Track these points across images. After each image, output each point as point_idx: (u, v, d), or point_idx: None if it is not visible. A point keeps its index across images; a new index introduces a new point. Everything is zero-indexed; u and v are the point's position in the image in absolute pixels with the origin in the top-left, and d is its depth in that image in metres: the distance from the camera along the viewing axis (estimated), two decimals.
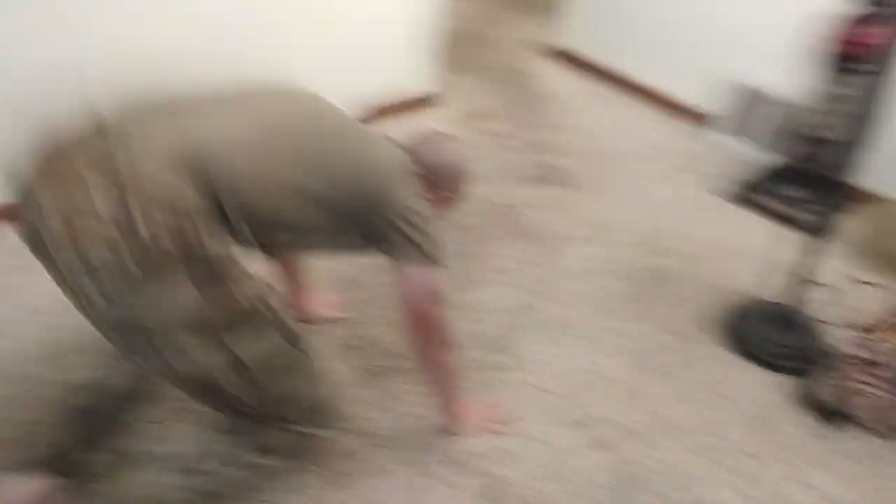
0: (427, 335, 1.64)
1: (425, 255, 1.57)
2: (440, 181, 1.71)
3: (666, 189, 3.06)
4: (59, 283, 1.31)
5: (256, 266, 1.45)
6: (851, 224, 2.66)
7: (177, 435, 1.78)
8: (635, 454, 1.86)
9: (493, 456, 1.83)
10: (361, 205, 1.52)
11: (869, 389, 1.96)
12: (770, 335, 2.18)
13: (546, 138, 3.38)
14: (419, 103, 3.50)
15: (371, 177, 1.54)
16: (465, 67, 3.95)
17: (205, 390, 1.42)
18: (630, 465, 1.83)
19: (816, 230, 2.07)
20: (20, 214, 1.31)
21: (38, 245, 1.28)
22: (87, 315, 1.32)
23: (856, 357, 2.01)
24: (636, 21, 3.79)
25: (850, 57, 1.87)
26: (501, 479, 1.77)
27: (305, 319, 2.12)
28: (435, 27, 3.37)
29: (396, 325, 1.69)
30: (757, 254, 2.55)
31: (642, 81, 3.84)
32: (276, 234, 1.50)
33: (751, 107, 3.21)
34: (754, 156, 3.19)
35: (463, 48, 4.16)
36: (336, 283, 2.33)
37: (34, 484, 1.53)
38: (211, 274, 1.31)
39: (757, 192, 2.96)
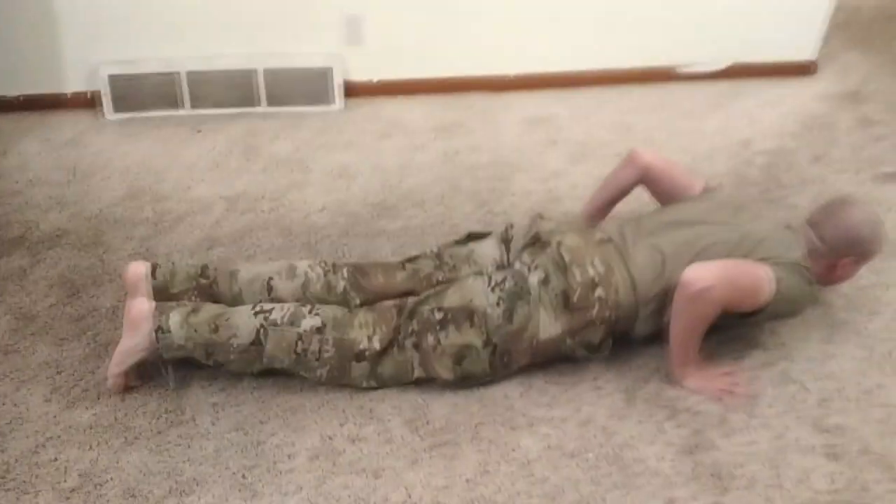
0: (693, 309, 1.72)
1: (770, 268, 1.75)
2: (847, 251, 1.87)
3: None
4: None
5: None
6: None
7: None
8: (869, 474, 1.66)
9: (713, 419, 1.79)
10: None
11: None
12: None
13: None
14: (795, 69, 3.26)
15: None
16: (867, 47, 3.54)
17: None
18: (854, 485, 1.65)
19: None
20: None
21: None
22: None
23: None
24: None
25: None
26: (710, 443, 1.73)
27: None
28: None
29: None
30: None
31: None
32: None
33: None
34: None
35: (874, 26, 3.72)
36: None
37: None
38: None
39: None
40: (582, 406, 1.82)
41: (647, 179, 2.10)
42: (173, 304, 1.78)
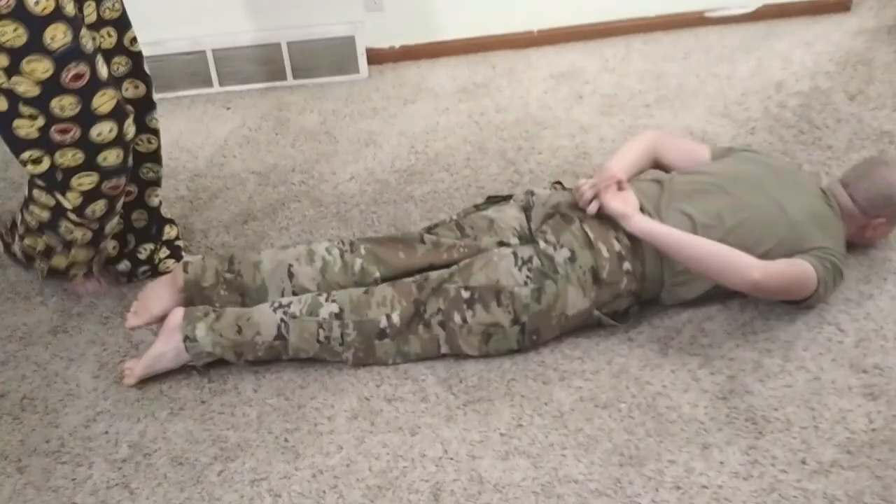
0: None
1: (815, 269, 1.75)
2: (879, 211, 1.87)
3: None
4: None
5: None
6: None
7: None
8: None
9: (747, 364, 1.78)
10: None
11: None
12: None
13: None
14: (829, 6, 3.14)
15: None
16: None
17: None
18: (894, 423, 1.62)
19: None
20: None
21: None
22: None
23: None
24: None
25: None
26: (744, 388, 1.73)
27: None
28: None
29: None
30: None
31: None
32: None
33: None
34: None
35: None
36: None
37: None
38: None
39: None
40: (614, 358, 1.83)
41: (658, 149, 2.04)
42: (199, 313, 1.82)
